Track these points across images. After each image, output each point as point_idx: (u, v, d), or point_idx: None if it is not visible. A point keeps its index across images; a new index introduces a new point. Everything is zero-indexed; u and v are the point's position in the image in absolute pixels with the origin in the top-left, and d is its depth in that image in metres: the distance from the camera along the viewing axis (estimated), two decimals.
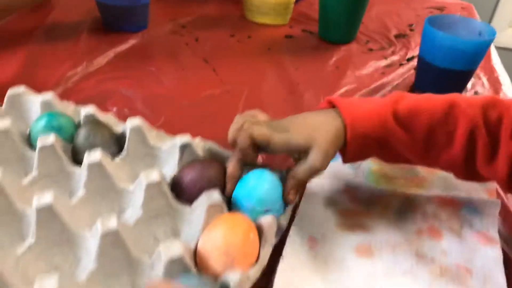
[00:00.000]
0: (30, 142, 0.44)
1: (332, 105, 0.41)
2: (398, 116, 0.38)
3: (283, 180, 0.39)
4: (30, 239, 0.34)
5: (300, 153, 0.38)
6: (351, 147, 0.38)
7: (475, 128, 0.36)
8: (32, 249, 0.34)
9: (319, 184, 0.45)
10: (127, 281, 0.33)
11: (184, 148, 0.42)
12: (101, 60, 0.65)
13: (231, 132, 0.39)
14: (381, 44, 0.76)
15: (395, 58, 0.72)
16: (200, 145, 0.43)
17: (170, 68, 0.64)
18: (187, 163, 0.41)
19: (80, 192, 0.39)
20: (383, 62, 0.70)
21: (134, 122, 0.43)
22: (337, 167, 0.46)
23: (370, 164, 0.48)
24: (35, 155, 0.41)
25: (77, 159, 0.42)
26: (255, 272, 0.32)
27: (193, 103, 0.57)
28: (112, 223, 0.33)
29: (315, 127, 0.38)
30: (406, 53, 0.73)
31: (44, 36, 0.69)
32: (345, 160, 0.40)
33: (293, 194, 0.38)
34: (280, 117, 0.41)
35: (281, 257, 0.36)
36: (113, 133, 0.44)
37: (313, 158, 0.37)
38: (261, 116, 0.41)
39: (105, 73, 0.62)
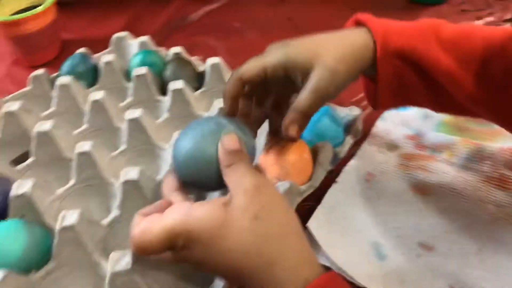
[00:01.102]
0: (127, 75, 0.51)
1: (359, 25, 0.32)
2: (442, 37, 0.30)
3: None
4: (123, 146, 0.41)
5: (303, 79, 0.30)
6: (382, 71, 0.30)
7: None
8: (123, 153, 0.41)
9: (384, 128, 0.45)
10: None
11: None
12: (193, 17, 0.71)
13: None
14: (477, 5, 0.71)
15: (490, 19, 0.67)
16: None
17: (255, 25, 0.68)
18: None
19: (165, 115, 0.44)
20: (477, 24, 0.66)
21: (213, 60, 0.48)
22: (405, 116, 0.46)
23: (441, 115, 0.46)
24: (130, 85, 0.49)
25: (164, 90, 0.48)
26: (306, 188, 0.35)
27: None
28: None
29: (323, 42, 0.30)
30: (503, 15, 0.68)
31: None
32: (377, 102, 0.32)
33: (293, 129, 0.29)
34: None
35: (335, 180, 0.38)
36: (195, 70, 0.49)
37: (316, 77, 0.28)
38: None
39: (196, 27, 0.68)
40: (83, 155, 0.37)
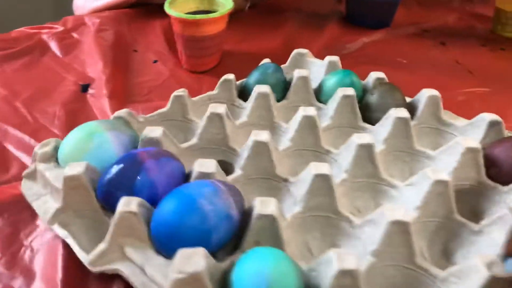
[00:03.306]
0: (319, 95, 0.45)
1: None
2: None
3: None
4: (343, 175, 0.34)
5: None
6: None
7: None
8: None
9: None
10: None
11: (493, 125, 0.38)
12: (351, 46, 0.66)
13: None
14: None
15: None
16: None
17: (423, 64, 0.62)
18: (496, 140, 0.37)
19: (380, 145, 0.38)
20: None
21: (429, 91, 0.41)
22: None
23: None
24: (326, 107, 0.43)
25: (365, 116, 0.42)
26: None
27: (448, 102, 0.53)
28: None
29: None
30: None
31: (297, 20, 0.74)
32: None
33: None
34: None
35: None
36: (404, 98, 0.43)
37: None
38: None
39: (356, 57, 0.63)
40: (320, 177, 0.30)
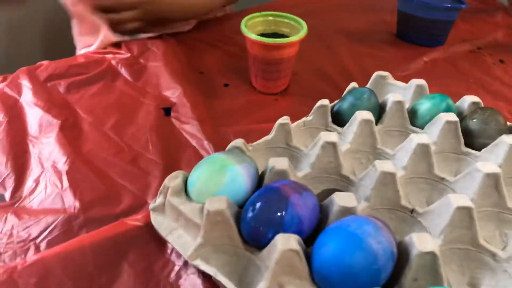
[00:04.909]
0: (413, 119, 0.45)
1: None
2: None
3: None
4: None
5: None
6: None
7: None
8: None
9: None
10: None
11: None
12: (413, 66, 0.66)
13: None
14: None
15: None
16: None
17: (487, 81, 0.62)
18: None
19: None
20: None
21: None
22: None
23: None
24: (424, 131, 0.43)
25: (466, 142, 0.42)
26: None
27: None
28: None
29: None
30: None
31: (349, 40, 0.74)
32: None
33: None
34: None
35: None
36: (506, 122, 0.43)
37: None
38: None
39: (421, 77, 0.63)
40: (462, 210, 0.30)
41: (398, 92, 0.50)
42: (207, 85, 0.59)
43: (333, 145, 0.37)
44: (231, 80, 0.60)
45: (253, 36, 0.51)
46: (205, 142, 0.45)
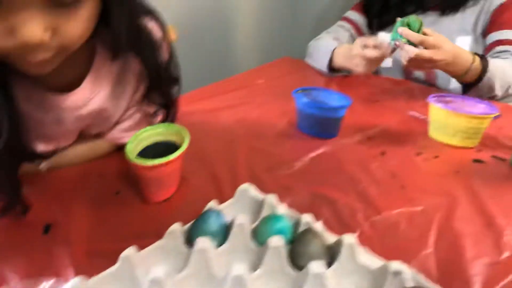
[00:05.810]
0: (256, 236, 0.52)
1: None
2: None
3: None
4: None
5: None
6: None
7: None
8: None
9: None
10: None
11: (396, 274, 0.44)
12: (297, 164, 0.74)
13: None
14: None
15: None
16: (409, 274, 0.45)
17: (359, 178, 0.70)
18: None
19: None
20: None
21: (348, 239, 0.48)
22: None
23: None
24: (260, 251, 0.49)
25: (294, 262, 0.48)
26: None
27: (384, 219, 0.59)
28: None
29: None
30: None
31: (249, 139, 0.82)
32: None
33: None
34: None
35: None
36: (324, 245, 0.49)
37: None
38: None
39: (301, 175, 0.70)
40: None
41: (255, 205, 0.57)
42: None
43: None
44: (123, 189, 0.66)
45: (138, 162, 0.56)
46: None
